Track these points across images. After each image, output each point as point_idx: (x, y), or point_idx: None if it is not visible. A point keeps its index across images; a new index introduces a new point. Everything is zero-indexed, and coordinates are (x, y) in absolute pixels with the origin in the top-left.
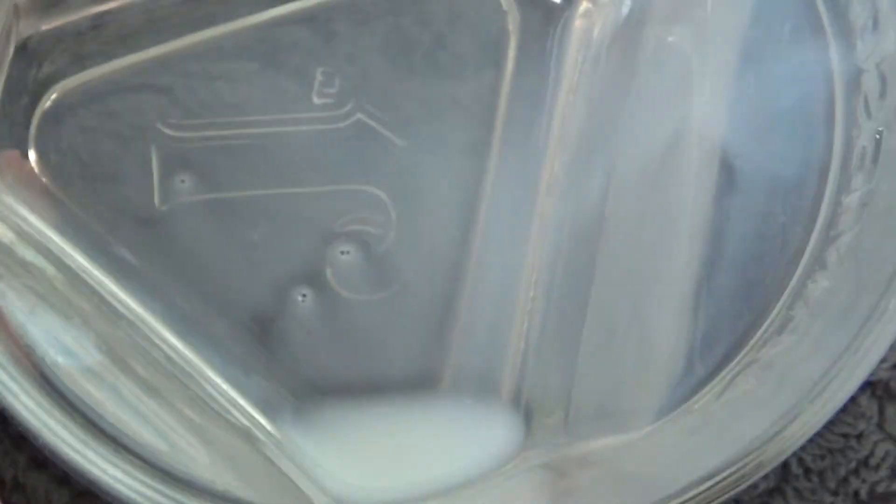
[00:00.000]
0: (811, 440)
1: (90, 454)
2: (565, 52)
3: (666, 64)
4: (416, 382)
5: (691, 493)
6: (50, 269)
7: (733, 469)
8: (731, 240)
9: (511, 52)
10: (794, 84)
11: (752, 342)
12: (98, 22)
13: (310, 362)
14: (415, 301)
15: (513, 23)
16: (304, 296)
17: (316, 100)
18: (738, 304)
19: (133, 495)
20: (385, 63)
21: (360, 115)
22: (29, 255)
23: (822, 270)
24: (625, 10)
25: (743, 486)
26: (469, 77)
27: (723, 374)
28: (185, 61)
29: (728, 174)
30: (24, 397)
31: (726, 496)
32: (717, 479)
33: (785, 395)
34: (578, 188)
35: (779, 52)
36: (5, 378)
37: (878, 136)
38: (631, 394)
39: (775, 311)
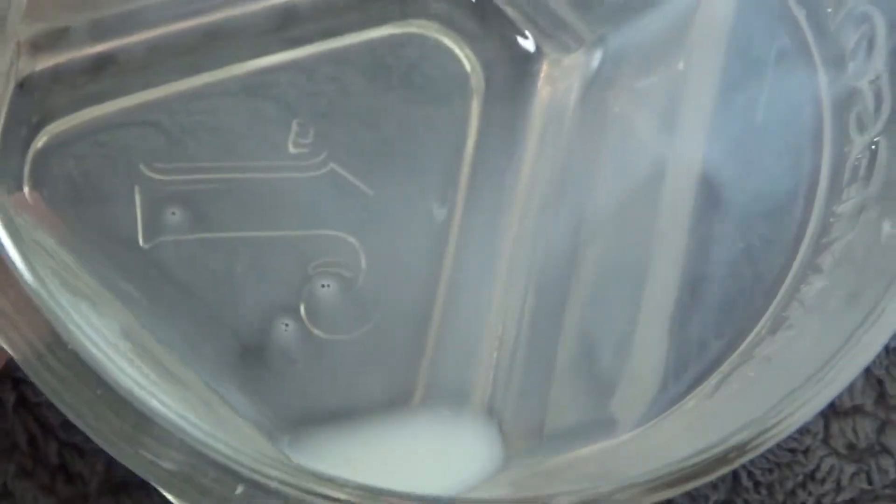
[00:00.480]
0: (760, 455)
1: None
2: (533, 106)
3: (640, 110)
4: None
5: (665, 472)
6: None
7: (714, 452)
8: (716, 260)
9: (475, 110)
10: (780, 108)
11: (744, 343)
12: (95, 63)
13: (293, 390)
14: (385, 341)
15: (476, 81)
16: (286, 325)
17: (292, 149)
18: (726, 314)
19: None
20: (356, 117)
21: (332, 165)
22: (50, 244)
23: (816, 274)
24: (595, 63)
25: (723, 471)
26: (435, 134)
27: (716, 373)
28: (175, 106)
29: (714, 200)
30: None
31: (704, 479)
32: (694, 461)
33: (781, 386)
34: (549, 227)
35: (763, 80)
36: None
37: (873, 147)
38: (614, 403)
39: (767, 315)
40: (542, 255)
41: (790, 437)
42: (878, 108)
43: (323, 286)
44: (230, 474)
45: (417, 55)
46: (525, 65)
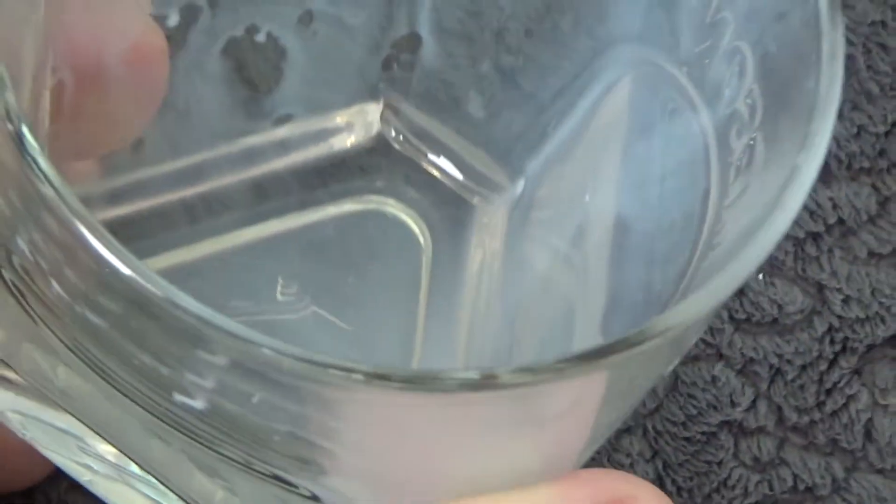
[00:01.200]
0: (682, 465)
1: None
2: (471, 243)
3: (554, 231)
4: None
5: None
6: None
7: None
8: (627, 282)
9: (425, 265)
10: (675, 159)
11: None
12: (110, 230)
13: None
14: None
15: (424, 242)
16: None
17: (280, 298)
18: (643, 309)
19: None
20: (330, 275)
21: (314, 308)
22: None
23: (712, 250)
24: (517, 191)
25: (641, 347)
26: (395, 282)
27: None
28: (180, 270)
29: (624, 245)
30: None
31: (630, 351)
32: (621, 339)
33: None
34: (491, 323)
35: (658, 139)
36: None
37: (751, 143)
38: None
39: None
40: (490, 343)
41: (706, 451)
42: (752, 116)
43: None
44: (259, 380)
45: (374, 223)
46: (460, 218)
